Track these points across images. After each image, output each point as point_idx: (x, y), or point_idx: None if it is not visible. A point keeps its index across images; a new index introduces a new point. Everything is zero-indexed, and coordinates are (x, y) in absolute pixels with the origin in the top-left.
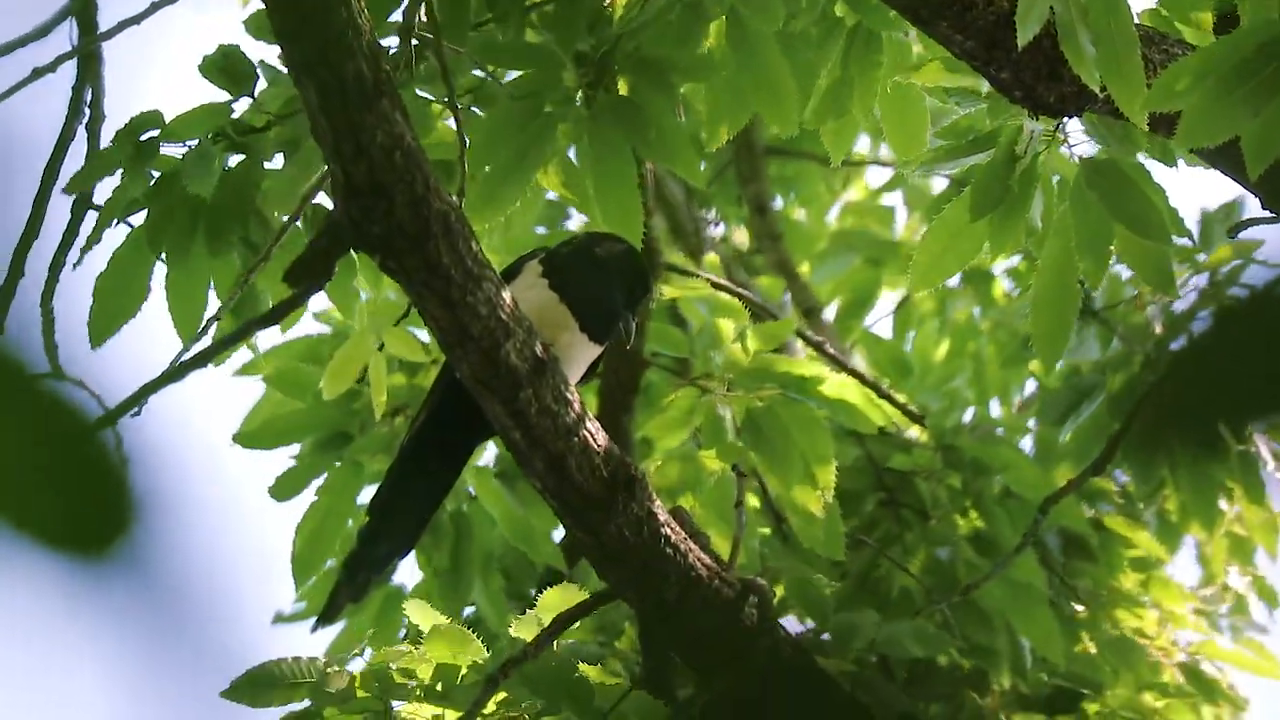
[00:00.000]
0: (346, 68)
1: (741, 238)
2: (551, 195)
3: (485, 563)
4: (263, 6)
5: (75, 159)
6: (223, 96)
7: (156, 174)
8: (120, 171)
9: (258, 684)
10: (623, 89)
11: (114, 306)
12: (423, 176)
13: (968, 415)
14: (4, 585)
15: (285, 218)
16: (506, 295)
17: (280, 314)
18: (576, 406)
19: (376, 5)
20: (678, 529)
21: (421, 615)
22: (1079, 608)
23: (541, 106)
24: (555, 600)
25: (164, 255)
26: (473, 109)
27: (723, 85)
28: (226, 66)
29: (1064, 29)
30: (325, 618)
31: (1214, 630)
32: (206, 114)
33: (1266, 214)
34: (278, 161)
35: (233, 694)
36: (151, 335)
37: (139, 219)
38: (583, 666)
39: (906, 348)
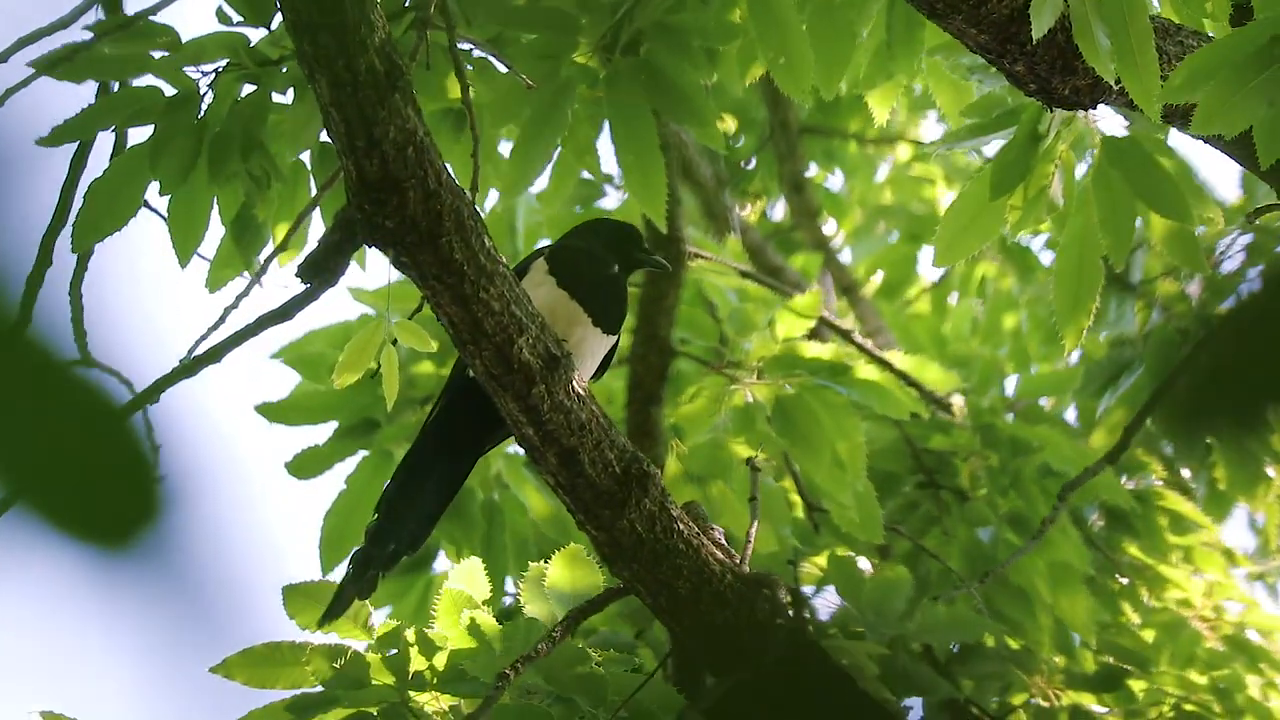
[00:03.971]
0: (359, 62)
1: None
2: (586, 174)
3: (520, 549)
4: None
5: (102, 149)
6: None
7: (172, 91)
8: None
9: (254, 662)
10: (642, 51)
11: (102, 215)
12: (435, 171)
13: (1010, 386)
14: (28, 570)
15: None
16: (520, 290)
17: (294, 309)
18: (590, 402)
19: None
20: (690, 524)
21: (466, 581)
22: (1122, 580)
23: (558, 70)
24: (564, 572)
25: (162, 179)
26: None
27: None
28: None
29: (1078, 22)
30: (331, 613)
31: (1273, 595)
32: (222, 40)
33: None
34: (289, 97)
35: (224, 670)
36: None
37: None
38: (605, 655)
39: (945, 323)
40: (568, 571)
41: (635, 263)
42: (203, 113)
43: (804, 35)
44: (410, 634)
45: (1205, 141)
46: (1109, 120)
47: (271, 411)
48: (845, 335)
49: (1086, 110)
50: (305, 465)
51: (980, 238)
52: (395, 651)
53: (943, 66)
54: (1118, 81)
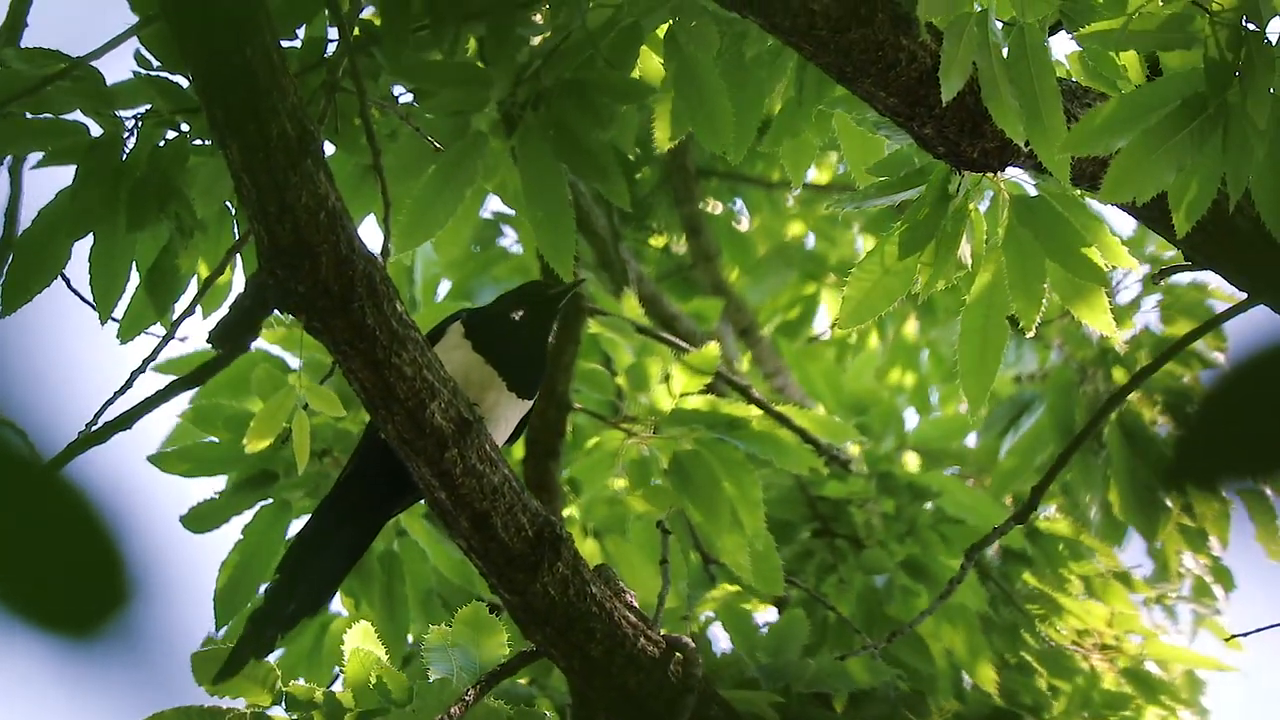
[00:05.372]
0: (271, 127)
1: (682, 249)
2: (485, 214)
3: (425, 599)
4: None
5: None
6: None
7: (98, 132)
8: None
9: None
10: (552, 108)
11: (30, 273)
12: (347, 237)
13: (912, 421)
14: None
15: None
16: (432, 355)
17: (206, 374)
18: (503, 466)
19: (304, 49)
20: (603, 586)
21: (363, 641)
22: (1019, 613)
23: (467, 125)
24: (468, 619)
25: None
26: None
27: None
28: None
29: (987, 85)
30: (225, 672)
31: (1171, 618)
32: (144, 85)
33: (1188, 264)
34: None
35: None
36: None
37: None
38: (516, 711)
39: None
40: (471, 631)
41: (550, 302)
42: (125, 157)
43: (724, 92)
44: (318, 695)
45: (1117, 207)
46: (1024, 176)
47: (165, 461)
48: (742, 391)
49: (995, 173)
50: (202, 518)
51: (888, 297)
52: (299, 716)
53: (850, 120)
54: (1027, 144)
